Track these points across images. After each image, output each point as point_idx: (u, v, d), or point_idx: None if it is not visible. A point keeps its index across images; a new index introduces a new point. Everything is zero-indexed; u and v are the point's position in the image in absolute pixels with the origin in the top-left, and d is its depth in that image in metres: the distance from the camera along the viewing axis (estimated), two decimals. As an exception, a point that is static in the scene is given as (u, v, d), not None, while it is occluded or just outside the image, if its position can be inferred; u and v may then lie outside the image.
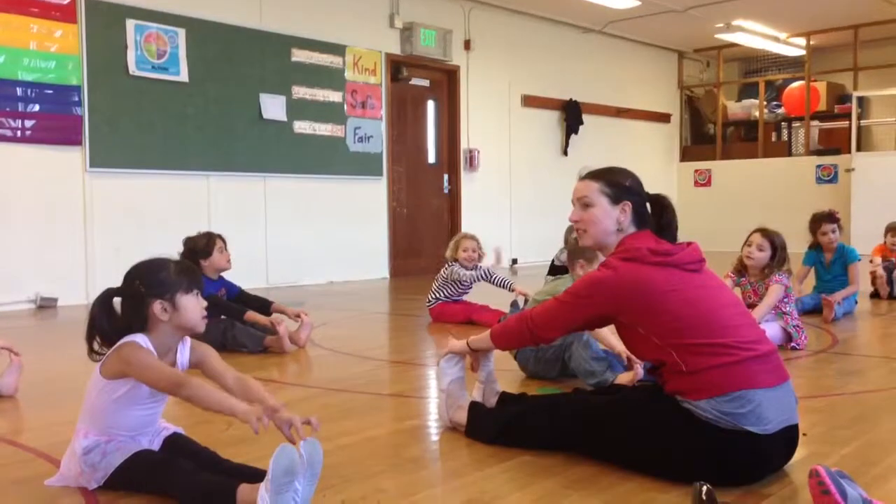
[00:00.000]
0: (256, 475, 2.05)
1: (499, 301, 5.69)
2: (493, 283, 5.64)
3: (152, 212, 7.26)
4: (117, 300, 2.28)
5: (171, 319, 2.24)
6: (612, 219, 2.51)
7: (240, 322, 4.56)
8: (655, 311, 2.33)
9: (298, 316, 4.70)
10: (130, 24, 7.13)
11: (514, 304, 5.37)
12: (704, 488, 1.91)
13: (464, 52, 9.97)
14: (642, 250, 2.40)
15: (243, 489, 2.00)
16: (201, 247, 4.59)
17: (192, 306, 2.26)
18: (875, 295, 6.56)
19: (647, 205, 2.57)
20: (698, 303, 2.34)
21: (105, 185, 7.06)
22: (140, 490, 2.17)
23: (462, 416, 2.75)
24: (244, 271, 7.78)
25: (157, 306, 2.22)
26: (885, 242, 6.74)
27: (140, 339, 2.23)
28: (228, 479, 2.08)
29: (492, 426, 2.64)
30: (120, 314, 2.26)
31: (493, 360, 2.89)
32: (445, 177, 10.08)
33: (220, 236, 4.70)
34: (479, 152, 10.19)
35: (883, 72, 11.94)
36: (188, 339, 2.36)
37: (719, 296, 2.42)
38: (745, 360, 2.25)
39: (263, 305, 4.76)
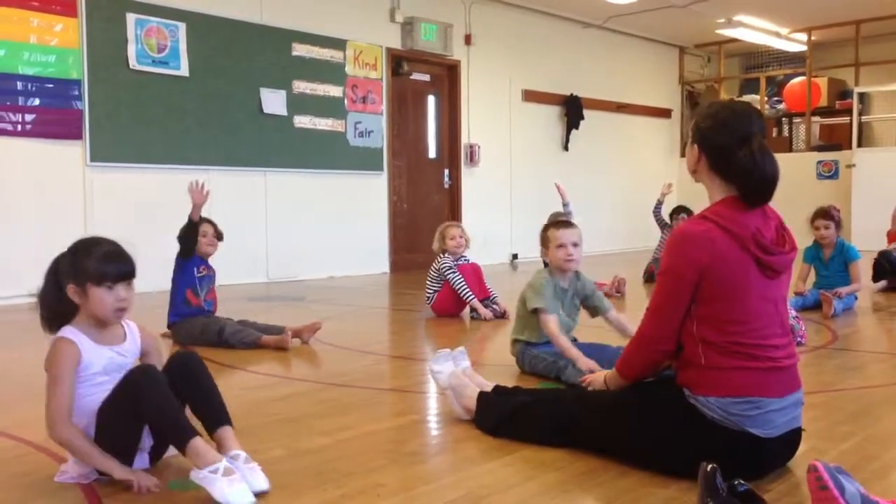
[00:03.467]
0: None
1: (490, 283, 5.70)
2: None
3: (152, 206, 7.24)
4: None
5: (83, 305, 2.23)
6: (691, 159, 2.37)
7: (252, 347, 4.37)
8: (716, 296, 2.20)
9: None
10: (131, 18, 7.12)
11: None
12: (710, 467, 1.91)
13: (464, 46, 9.96)
14: (746, 233, 2.19)
15: (196, 443, 2.08)
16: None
17: (100, 299, 2.21)
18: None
19: (742, 156, 2.20)
20: (754, 314, 2.21)
21: (105, 179, 7.06)
22: (125, 417, 2.16)
23: (472, 403, 2.79)
24: (245, 266, 7.82)
25: (71, 289, 2.23)
26: (893, 228, 6.69)
27: (72, 334, 2.22)
28: (192, 427, 2.14)
29: (497, 415, 2.66)
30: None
31: (468, 357, 3.03)
32: (446, 171, 10.07)
33: (209, 221, 4.54)
34: (479, 147, 10.17)
35: (884, 67, 11.93)
36: (133, 325, 2.36)
37: (774, 312, 2.26)
38: (765, 370, 2.19)
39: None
